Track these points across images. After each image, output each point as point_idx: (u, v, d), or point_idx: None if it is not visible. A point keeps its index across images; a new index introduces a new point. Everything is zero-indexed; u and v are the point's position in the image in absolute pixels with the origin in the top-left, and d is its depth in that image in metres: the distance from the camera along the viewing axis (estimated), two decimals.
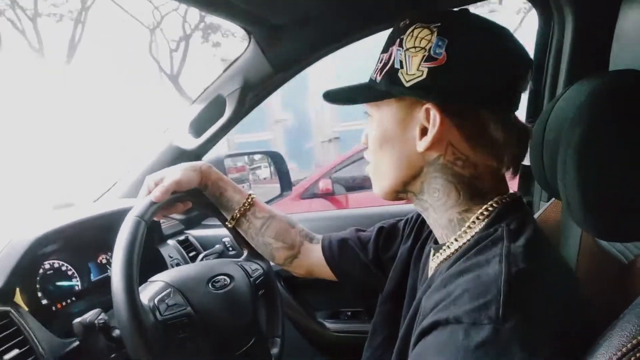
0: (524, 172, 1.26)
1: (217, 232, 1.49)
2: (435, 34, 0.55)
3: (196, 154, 1.34)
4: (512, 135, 0.58)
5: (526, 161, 0.88)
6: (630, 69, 0.57)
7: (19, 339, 0.79)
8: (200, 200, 0.92)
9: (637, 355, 0.39)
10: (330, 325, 1.45)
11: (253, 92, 1.24)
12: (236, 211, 0.91)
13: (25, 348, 0.79)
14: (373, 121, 0.64)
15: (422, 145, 0.58)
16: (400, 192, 0.64)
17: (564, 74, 0.97)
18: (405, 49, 0.57)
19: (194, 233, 1.48)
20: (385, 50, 0.61)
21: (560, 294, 0.49)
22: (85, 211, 1.09)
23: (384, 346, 0.74)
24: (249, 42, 1.16)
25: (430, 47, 0.55)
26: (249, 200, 0.91)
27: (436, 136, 0.57)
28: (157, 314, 0.74)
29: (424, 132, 0.58)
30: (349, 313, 1.47)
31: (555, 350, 0.44)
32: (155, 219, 0.84)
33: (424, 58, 0.56)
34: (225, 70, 1.23)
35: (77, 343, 0.86)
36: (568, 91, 0.65)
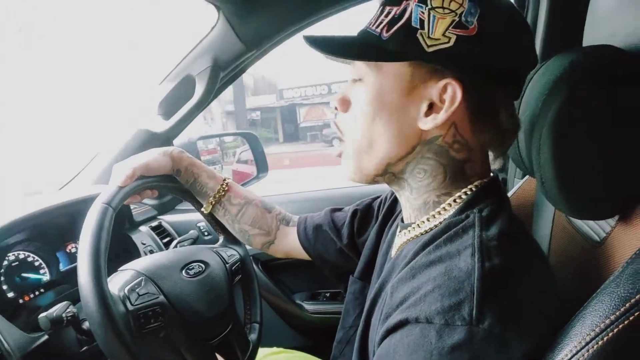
0: None
1: (191, 216, 1.46)
2: None
3: (166, 137, 1.30)
4: (515, 123, 0.55)
5: None
6: (604, 44, 0.56)
7: None
8: (173, 186, 0.89)
9: (609, 334, 0.39)
10: (308, 306, 1.45)
11: (224, 71, 1.20)
12: (211, 198, 0.89)
13: None
14: (365, 85, 0.55)
15: (428, 123, 0.52)
16: (381, 175, 0.58)
17: (538, 50, 0.96)
18: (430, 7, 0.50)
19: (167, 218, 1.44)
20: (394, 2, 0.52)
21: (536, 290, 0.48)
22: (52, 199, 1.04)
23: (356, 325, 0.73)
24: (218, 18, 1.11)
25: (462, 13, 0.49)
26: (224, 186, 0.89)
27: (448, 116, 0.51)
28: (128, 303, 0.71)
29: (430, 107, 0.52)
30: (327, 294, 1.48)
31: (530, 350, 0.43)
32: (126, 203, 0.81)
33: (453, 23, 0.49)
34: (193, 48, 1.18)
35: (45, 337, 0.83)
36: (542, 67, 0.64)
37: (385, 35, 0.52)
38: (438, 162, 0.55)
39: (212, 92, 1.21)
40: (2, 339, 0.77)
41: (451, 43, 0.49)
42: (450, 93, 0.51)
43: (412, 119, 0.53)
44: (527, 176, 0.89)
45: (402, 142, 0.55)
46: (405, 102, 0.53)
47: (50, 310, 0.74)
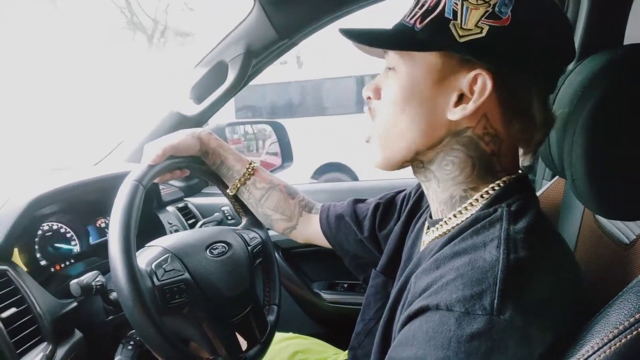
0: None
1: (216, 200, 1.49)
2: None
3: (197, 121, 1.33)
4: (549, 117, 0.54)
5: None
6: None
7: (17, 297, 0.80)
8: (200, 167, 0.91)
9: (634, 333, 0.39)
10: (326, 296, 1.46)
11: (256, 58, 1.21)
12: (236, 180, 0.90)
13: (23, 307, 0.79)
14: (397, 74, 0.56)
15: (457, 113, 0.52)
16: (408, 161, 0.58)
17: (577, 48, 0.93)
18: None
19: (194, 201, 1.48)
20: None
21: (560, 285, 0.47)
22: (85, 173, 1.08)
23: (377, 318, 0.73)
24: (254, 5, 1.12)
25: (496, 4, 0.49)
26: (249, 169, 0.90)
27: (477, 107, 0.51)
28: (155, 278, 0.73)
29: (460, 98, 0.52)
30: (345, 285, 1.49)
31: (550, 344, 0.43)
32: (156, 181, 0.84)
33: (486, 14, 0.49)
34: (228, 35, 1.20)
35: (74, 304, 0.87)
36: (580, 66, 0.63)
37: (418, 26, 0.52)
38: (466, 154, 0.54)
39: (244, 78, 1.22)
40: (35, 303, 0.80)
41: (483, 34, 0.49)
42: (480, 84, 0.50)
43: (441, 109, 0.53)
44: (556, 177, 0.88)
45: (430, 131, 0.55)
46: (435, 93, 0.53)
47: (81, 278, 0.77)
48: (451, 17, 0.50)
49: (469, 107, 0.51)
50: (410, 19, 0.54)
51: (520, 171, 0.58)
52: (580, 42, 0.85)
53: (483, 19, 0.49)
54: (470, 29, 0.49)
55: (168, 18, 10.43)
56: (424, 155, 0.57)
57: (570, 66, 0.64)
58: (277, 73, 5.49)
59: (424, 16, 0.52)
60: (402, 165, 0.59)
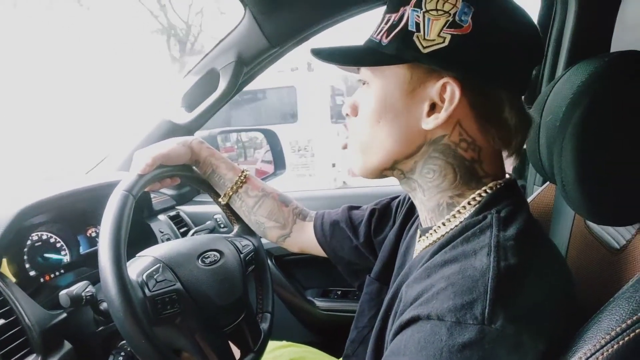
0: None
1: (208, 208, 1.48)
2: None
3: (188, 129, 1.32)
4: (524, 119, 0.55)
5: None
6: (632, 50, 0.56)
7: (5, 309, 0.78)
8: (191, 175, 0.90)
9: (625, 338, 0.39)
10: (319, 303, 1.46)
11: (247, 66, 1.21)
12: (228, 189, 0.90)
13: (11, 319, 0.78)
14: (370, 89, 0.58)
15: (430, 123, 0.53)
16: (387, 170, 0.59)
17: (564, 55, 0.95)
18: (424, 10, 0.51)
19: (185, 209, 1.47)
20: (393, 9, 0.54)
21: (551, 292, 0.47)
22: (75, 182, 1.07)
23: (370, 326, 0.73)
24: (244, 14, 1.12)
25: (456, 12, 0.50)
26: (242, 177, 0.90)
27: (449, 114, 0.52)
28: (146, 289, 0.73)
29: (432, 107, 0.53)
30: (339, 292, 1.48)
31: (542, 352, 0.43)
32: (146, 190, 0.83)
33: (447, 23, 0.50)
34: (219, 43, 1.20)
35: (64, 315, 0.86)
36: (568, 73, 0.63)
37: (384, 41, 0.54)
38: (446, 161, 0.55)
39: (235, 86, 1.22)
40: (24, 314, 0.79)
41: (446, 43, 0.50)
42: (449, 92, 0.52)
43: (415, 119, 0.55)
44: (546, 183, 0.89)
45: (406, 141, 0.56)
46: (408, 104, 0.55)
47: (71, 289, 0.76)
48: (414, 30, 0.52)
49: (441, 115, 0.53)
50: (378, 34, 0.56)
51: (508, 176, 0.58)
52: (568, 49, 0.86)
53: (445, 28, 0.50)
54: (433, 40, 0.51)
55: (203, 20, 10.40)
56: (403, 164, 0.58)
57: (559, 73, 0.65)
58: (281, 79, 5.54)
59: (389, 31, 0.54)
60: (381, 174, 0.61)
